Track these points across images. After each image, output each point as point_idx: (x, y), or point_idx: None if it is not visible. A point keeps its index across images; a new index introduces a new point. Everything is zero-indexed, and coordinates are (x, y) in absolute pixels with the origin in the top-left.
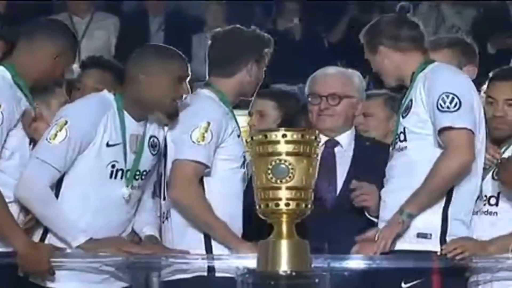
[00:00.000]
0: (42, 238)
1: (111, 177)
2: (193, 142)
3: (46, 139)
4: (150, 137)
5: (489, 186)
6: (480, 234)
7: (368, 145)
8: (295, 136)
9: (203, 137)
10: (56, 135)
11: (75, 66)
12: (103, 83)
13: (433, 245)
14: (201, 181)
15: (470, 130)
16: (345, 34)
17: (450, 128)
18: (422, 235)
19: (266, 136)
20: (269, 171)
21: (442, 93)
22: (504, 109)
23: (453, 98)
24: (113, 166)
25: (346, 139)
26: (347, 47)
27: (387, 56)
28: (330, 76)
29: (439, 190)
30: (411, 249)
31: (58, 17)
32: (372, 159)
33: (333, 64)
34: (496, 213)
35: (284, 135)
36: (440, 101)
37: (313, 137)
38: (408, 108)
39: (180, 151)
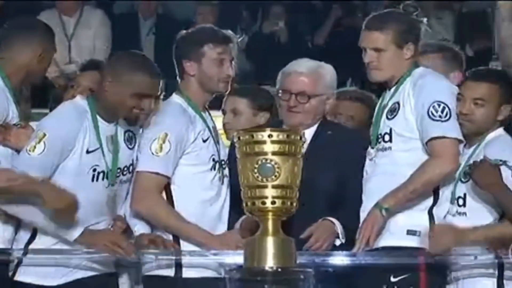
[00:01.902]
0: (32, 236)
1: (93, 180)
2: (151, 153)
3: (26, 150)
4: (125, 131)
5: (456, 188)
6: None
7: (329, 134)
8: (280, 136)
9: (161, 148)
10: (35, 147)
11: (71, 66)
12: (98, 83)
13: (421, 241)
14: (168, 187)
15: (460, 139)
16: (329, 36)
17: (442, 138)
18: (411, 232)
19: (252, 136)
20: (256, 170)
21: (433, 102)
22: (470, 108)
23: (444, 108)
24: (94, 170)
25: (311, 132)
26: (332, 49)
27: (409, 55)
28: (302, 74)
29: (419, 192)
30: (401, 245)
31: (47, 15)
32: (328, 146)
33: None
34: (465, 213)
35: (270, 135)
36: (432, 110)
37: (298, 137)
38: (395, 111)
39: (140, 162)
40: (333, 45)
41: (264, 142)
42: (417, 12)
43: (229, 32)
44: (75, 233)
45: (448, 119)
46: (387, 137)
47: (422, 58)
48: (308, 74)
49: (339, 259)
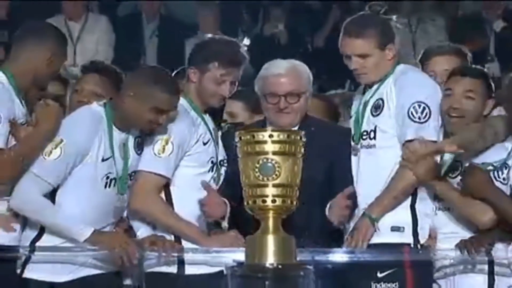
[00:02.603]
0: (39, 234)
1: (106, 187)
2: (154, 154)
3: (42, 153)
4: (135, 138)
5: None
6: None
7: (312, 130)
8: (281, 136)
9: (164, 149)
10: (51, 152)
11: (75, 69)
12: (101, 87)
13: (406, 237)
14: (167, 188)
15: (435, 141)
16: (328, 38)
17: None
18: (395, 229)
19: (253, 136)
20: (257, 169)
21: (414, 102)
22: (461, 101)
23: (424, 108)
24: (107, 178)
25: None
26: (331, 51)
27: (391, 55)
28: (283, 75)
29: (402, 195)
30: (386, 241)
31: (52, 20)
32: (315, 142)
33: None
34: (449, 208)
35: (271, 135)
36: (412, 110)
37: (299, 137)
38: (380, 108)
39: (142, 162)
40: (333, 47)
41: (265, 142)
42: (383, 10)
43: (242, 55)
44: (86, 233)
45: (426, 120)
46: (372, 134)
47: (437, 59)
48: (290, 74)
49: (339, 256)
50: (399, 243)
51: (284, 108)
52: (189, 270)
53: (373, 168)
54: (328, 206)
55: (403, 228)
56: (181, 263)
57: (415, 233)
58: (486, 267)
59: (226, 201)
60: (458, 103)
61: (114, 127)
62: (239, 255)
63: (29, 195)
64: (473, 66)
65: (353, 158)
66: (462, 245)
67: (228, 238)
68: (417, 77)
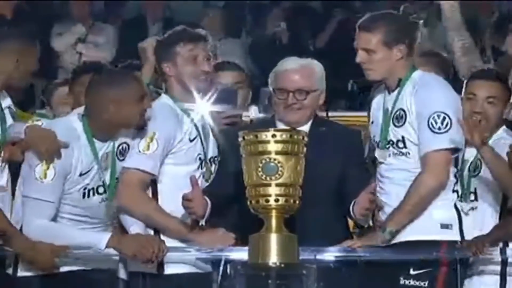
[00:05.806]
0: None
1: (84, 197)
2: (139, 151)
3: (37, 177)
4: (119, 145)
5: (470, 183)
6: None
7: (324, 130)
8: (284, 136)
9: (149, 146)
10: (45, 174)
11: None
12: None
13: (454, 235)
14: (154, 185)
15: (456, 148)
16: (330, 39)
17: (434, 151)
18: (445, 226)
19: (256, 136)
20: (260, 169)
21: (434, 112)
22: (484, 106)
23: (444, 118)
24: (84, 189)
25: (306, 129)
26: (333, 52)
27: (399, 55)
28: (296, 71)
29: (419, 207)
30: (436, 239)
31: (60, 25)
32: (327, 143)
33: None
34: (477, 207)
35: (273, 135)
36: (432, 121)
37: (301, 137)
38: (402, 118)
39: (127, 159)
40: (335, 48)
41: (267, 142)
42: (414, 15)
43: (202, 31)
44: (103, 241)
45: (447, 130)
46: (401, 144)
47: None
48: (302, 70)
49: (340, 255)
50: (449, 240)
51: (292, 104)
52: (169, 270)
53: (404, 176)
54: (352, 203)
55: (451, 225)
56: (160, 263)
57: (461, 231)
58: (499, 267)
59: (208, 200)
60: (480, 107)
61: (95, 139)
62: (243, 254)
63: (35, 222)
64: (495, 68)
65: (381, 165)
66: (466, 247)
67: (218, 237)
68: (438, 86)
